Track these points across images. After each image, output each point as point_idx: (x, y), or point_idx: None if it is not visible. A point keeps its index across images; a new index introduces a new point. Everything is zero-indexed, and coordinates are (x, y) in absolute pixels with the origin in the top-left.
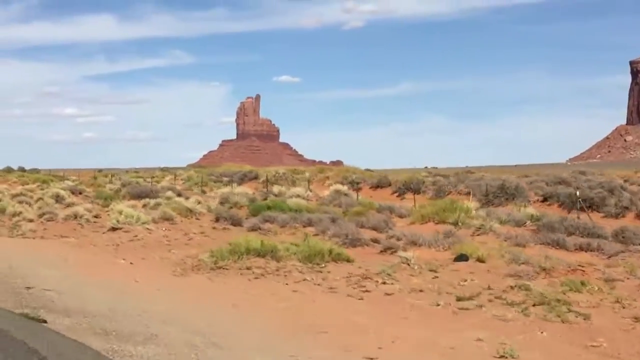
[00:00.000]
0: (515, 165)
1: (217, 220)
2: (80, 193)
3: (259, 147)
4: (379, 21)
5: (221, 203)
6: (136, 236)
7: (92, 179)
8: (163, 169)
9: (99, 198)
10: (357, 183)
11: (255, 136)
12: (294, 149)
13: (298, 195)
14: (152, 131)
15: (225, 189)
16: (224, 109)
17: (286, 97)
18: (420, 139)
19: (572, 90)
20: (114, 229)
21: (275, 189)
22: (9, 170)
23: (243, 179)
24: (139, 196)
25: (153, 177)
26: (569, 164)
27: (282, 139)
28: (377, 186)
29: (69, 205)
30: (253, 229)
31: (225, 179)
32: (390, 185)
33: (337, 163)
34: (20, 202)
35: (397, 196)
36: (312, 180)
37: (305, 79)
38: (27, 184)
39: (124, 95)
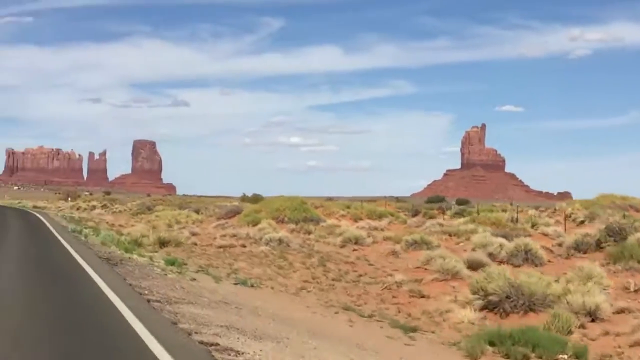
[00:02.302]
0: None
1: None
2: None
3: (484, 177)
4: (606, 49)
5: None
6: None
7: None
8: (399, 199)
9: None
10: None
11: (480, 166)
12: (520, 180)
13: None
14: (373, 160)
15: None
16: (446, 139)
17: (509, 126)
18: None
19: None
20: None
21: None
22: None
23: None
24: None
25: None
26: None
27: (507, 169)
28: None
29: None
30: None
31: None
32: None
33: (565, 195)
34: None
35: None
36: None
37: (529, 108)
38: (361, 219)
39: (347, 125)
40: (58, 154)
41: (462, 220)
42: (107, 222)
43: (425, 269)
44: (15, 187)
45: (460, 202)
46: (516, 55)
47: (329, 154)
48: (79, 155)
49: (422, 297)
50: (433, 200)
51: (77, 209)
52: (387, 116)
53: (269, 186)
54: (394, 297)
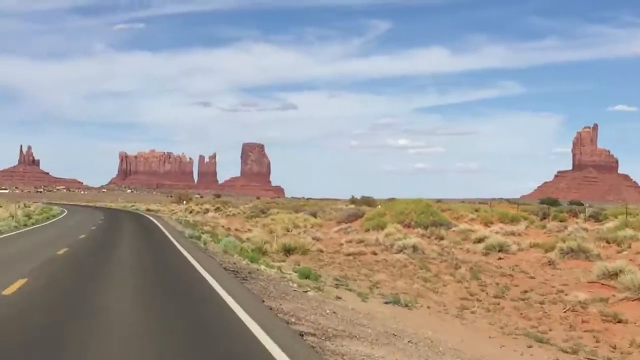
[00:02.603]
0: None
1: None
2: None
3: (596, 179)
4: None
5: None
6: None
7: None
8: (509, 201)
9: None
10: None
11: (592, 167)
12: (634, 181)
13: None
14: (481, 162)
15: None
16: (556, 140)
17: (622, 126)
18: None
19: None
20: None
21: None
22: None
23: None
24: None
25: None
26: None
27: (621, 170)
28: None
29: None
30: None
31: None
32: None
33: None
34: None
35: None
36: None
37: None
38: (492, 222)
39: (454, 126)
40: (169, 157)
41: (611, 224)
42: (222, 226)
43: (602, 284)
44: (129, 190)
45: (573, 204)
46: (629, 54)
47: (436, 155)
48: (190, 158)
49: (619, 322)
50: (545, 202)
51: (190, 212)
52: (495, 117)
53: (376, 188)
54: (583, 321)
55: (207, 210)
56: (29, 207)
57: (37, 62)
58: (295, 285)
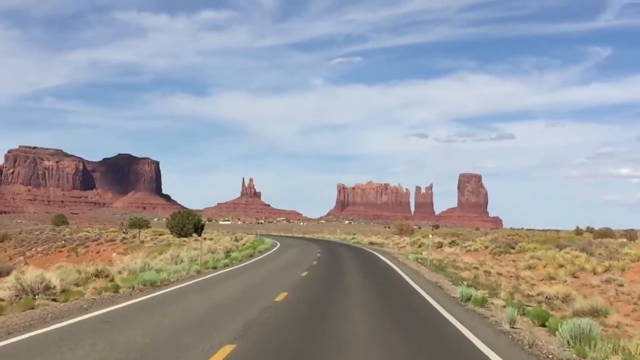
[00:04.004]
0: None
1: None
2: None
3: None
4: None
5: None
6: None
7: None
8: None
9: None
10: None
11: None
12: None
13: None
14: None
15: None
16: None
17: None
18: None
19: None
20: None
21: None
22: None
23: None
24: None
25: None
26: None
27: None
28: None
29: None
30: None
31: None
32: None
33: None
34: None
35: None
36: None
37: None
38: None
39: None
40: (386, 188)
41: None
42: (475, 267)
43: None
44: (346, 221)
45: None
46: None
47: None
48: (406, 189)
49: None
50: None
51: (419, 246)
52: None
53: (598, 219)
54: None
55: (440, 245)
56: (240, 239)
57: (258, 97)
58: None
